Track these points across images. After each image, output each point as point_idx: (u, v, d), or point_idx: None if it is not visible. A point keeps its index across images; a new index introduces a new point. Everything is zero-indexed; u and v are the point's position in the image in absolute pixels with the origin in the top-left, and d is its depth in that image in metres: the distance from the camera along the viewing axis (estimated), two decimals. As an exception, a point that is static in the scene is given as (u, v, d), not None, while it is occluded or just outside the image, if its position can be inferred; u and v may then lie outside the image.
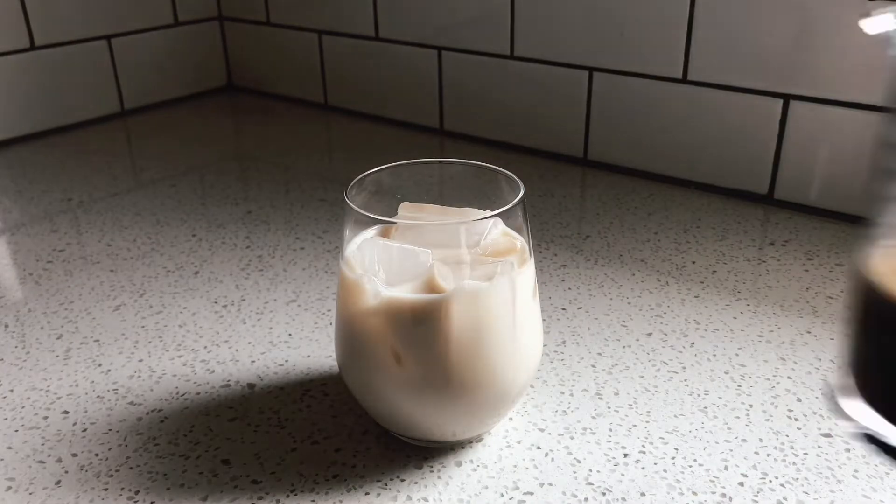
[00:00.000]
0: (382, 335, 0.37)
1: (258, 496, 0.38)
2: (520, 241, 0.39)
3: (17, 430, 0.43)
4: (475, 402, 0.38)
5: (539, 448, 0.41)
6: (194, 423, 0.43)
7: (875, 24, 0.28)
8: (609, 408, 0.44)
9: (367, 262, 0.38)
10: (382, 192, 0.41)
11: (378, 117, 0.97)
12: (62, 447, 0.42)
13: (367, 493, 0.38)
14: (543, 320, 0.52)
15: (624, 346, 0.50)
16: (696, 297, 0.55)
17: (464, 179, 0.43)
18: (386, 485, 0.39)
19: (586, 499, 0.37)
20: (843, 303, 0.54)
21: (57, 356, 0.50)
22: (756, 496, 0.37)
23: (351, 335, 0.39)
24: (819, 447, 0.41)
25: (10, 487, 0.39)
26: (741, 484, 0.38)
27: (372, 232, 0.40)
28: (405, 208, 0.40)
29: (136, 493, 0.38)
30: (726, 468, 0.39)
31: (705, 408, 0.44)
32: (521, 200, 0.38)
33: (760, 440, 0.41)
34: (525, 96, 0.83)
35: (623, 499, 0.37)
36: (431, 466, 0.40)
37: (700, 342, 0.50)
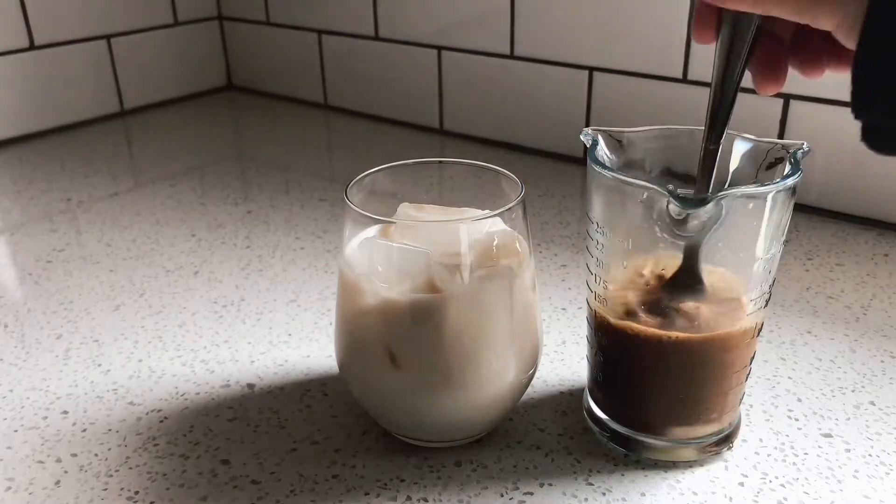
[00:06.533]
0: (382, 335, 0.37)
1: (258, 496, 0.38)
2: (520, 241, 0.39)
3: (16, 431, 0.43)
4: (474, 402, 0.38)
5: (539, 448, 0.41)
6: (194, 423, 0.43)
7: None
8: (609, 408, 0.44)
9: (366, 262, 0.38)
10: (382, 191, 0.41)
11: (378, 117, 0.97)
12: (61, 447, 0.42)
13: (366, 493, 0.38)
14: (543, 320, 0.52)
15: (624, 346, 0.50)
16: (696, 297, 0.55)
17: (464, 179, 0.43)
18: (386, 485, 0.39)
19: (586, 499, 0.37)
20: (843, 303, 0.54)
21: (56, 356, 0.50)
22: (756, 496, 0.37)
23: (351, 335, 0.39)
24: (819, 447, 0.41)
25: (9, 488, 0.39)
26: (741, 484, 0.38)
27: (371, 232, 0.40)
28: (405, 208, 0.40)
29: (136, 493, 0.38)
30: (726, 468, 0.39)
31: (705, 408, 0.44)
32: (521, 200, 0.38)
33: (760, 440, 0.41)
34: (525, 96, 0.83)
35: (623, 499, 0.37)
36: (431, 466, 0.40)
37: (700, 342, 0.50)
